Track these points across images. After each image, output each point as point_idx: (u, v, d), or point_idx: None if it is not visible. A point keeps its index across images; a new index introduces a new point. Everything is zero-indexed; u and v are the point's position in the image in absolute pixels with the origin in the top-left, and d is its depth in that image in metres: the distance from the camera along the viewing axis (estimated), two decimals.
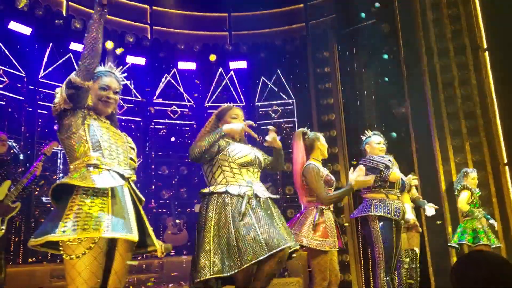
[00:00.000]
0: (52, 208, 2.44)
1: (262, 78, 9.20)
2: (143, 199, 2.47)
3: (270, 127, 3.32)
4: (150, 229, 2.37)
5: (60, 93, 2.27)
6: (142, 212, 2.39)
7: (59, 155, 7.94)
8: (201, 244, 2.81)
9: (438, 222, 6.34)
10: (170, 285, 6.80)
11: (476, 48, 6.66)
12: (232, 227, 2.77)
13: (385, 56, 7.87)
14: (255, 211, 2.85)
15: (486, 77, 6.54)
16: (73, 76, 2.23)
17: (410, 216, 4.94)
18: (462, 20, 6.75)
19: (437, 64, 6.84)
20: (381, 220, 3.59)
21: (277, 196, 3.25)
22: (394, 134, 7.54)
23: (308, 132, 3.79)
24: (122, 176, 2.30)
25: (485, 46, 6.67)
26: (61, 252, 2.10)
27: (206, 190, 3.01)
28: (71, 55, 8.20)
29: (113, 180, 2.23)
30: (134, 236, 2.17)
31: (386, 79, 7.87)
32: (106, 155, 2.28)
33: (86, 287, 2.06)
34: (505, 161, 6.19)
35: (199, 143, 2.97)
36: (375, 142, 3.93)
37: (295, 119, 9.06)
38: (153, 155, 9.01)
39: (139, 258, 7.28)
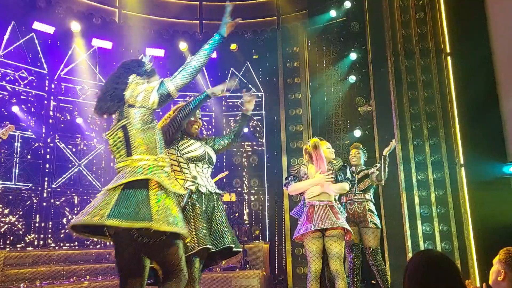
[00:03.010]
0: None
1: (232, 69, 9.17)
2: None
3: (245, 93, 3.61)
4: None
5: (151, 95, 2.49)
6: None
7: (16, 138, 7.65)
8: None
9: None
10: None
11: (439, 52, 6.85)
12: None
13: (353, 55, 8.01)
14: (195, 207, 3.09)
15: (447, 81, 6.73)
16: (171, 88, 2.51)
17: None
18: (428, 24, 6.89)
19: (402, 65, 6.96)
20: None
21: (222, 192, 3.44)
22: (358, 132, 7.77)
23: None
24: None
25: (448, 50, 6.86)
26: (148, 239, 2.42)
27: None
28: (34, 35, 7.92)
29: None
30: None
31: (353, 77, 8.06)
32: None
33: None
34: (462, 162, 6.36)
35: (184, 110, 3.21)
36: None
37: (263, 112, 9.13)
38: None
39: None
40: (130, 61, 2.76)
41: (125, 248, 2.46)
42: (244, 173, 8.82)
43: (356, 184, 5.26)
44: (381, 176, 5.16)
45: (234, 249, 3.26)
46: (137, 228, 2.33)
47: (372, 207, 5.22)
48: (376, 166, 5.41)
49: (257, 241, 7.94)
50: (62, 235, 7.89)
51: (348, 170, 4.26)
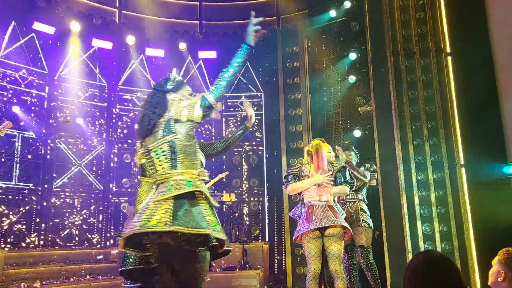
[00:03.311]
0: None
1: None
2: None
3: (244, 99, 3.72)
4: None
5: (195, 109, 2.63)
6: None
7: (17, 138, 7.65)
8: None
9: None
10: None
11: (439, 51, 6.82)
12: None
13: (353, 54, 8.02)
14: None
15: (448, 80, 6.70)
16: (212, 100, 2.63)
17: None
18: (428, 23, 6.86)
19: (402, 65, 6.93)
20: None
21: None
22: (358, 132, 7.76)
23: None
24: None
25: (448, 50, 6.84)
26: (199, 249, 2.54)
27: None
28: (34, 35, 7.92)
29: None
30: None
31: (353, 77, 8.06)
32: None
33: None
34: (462, 162, 6.33)
35: None
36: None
37: (263, 112, 9.14)
38: (115, 142, 8.92)
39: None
40: (160, 81, 2.90)
41: (171, 257, 2.55)
42: (243, 173, 8.84)
43: None
44: (362, 180, 5.13)
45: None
46: (192, 236, 2.49)
47: (365, 207, 5.22)
48: (365, 166, 5.40)
49: (256, 241, 7.95)
50: (62, 235, 7.92)
51: (347, 172, 4.24)
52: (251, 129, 8.61)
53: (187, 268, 2.52)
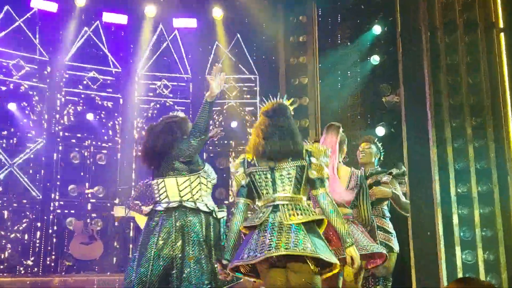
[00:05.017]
0: None
1: (217, 43, 9.20)
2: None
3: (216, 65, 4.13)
4: None
5: None
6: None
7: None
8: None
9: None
10: None
11: (490, 26, 6.91)
12: None
13: (377, 28, 8.04)
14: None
15: (500, 64, 6.63)
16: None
17: None
18: None
19: (441, 43, 6.91)
20: None
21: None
22: (381, 129, 7.85)
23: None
24: None
25: (501, 25, 6.90)
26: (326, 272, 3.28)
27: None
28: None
29: None
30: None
31: (377, 57, 8.05)
32: None
33: None
34: None
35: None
36: None
37: (257, 101, 9.16)
38: (60, 137, 8.93)
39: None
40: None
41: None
42: (231, 181, 8.73)
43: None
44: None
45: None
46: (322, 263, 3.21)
47: (388, 224, 5.30)
48: (392, 173, 5.53)
49: None
50: None
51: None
52: (245, 122, 8.61)
53: None
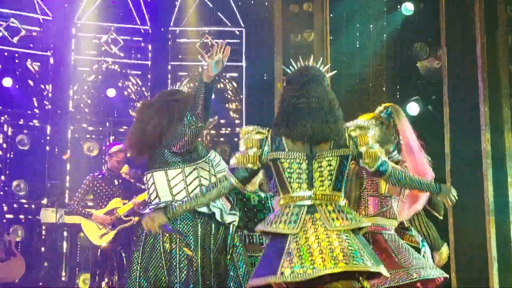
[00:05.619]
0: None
1: None
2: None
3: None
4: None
5: None
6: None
7: None
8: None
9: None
10: None
11: None
12: None
13: None
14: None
15: None
16: None
17: None
18: None
19: None
20: None
21: None
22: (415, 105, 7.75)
23: None
24: None
25: None
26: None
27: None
28: None
29: None
30: None
31: (410, 5, 7.95)
32: None
33: None
34: None
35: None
36: None
37: (243, 64, 9.19)
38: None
39: None
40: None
41: None
42: None
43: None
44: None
45: None
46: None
47: (416, 235, 4.76)
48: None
49: None
50: None
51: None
52: (225, 94, 8.46)
53: None
